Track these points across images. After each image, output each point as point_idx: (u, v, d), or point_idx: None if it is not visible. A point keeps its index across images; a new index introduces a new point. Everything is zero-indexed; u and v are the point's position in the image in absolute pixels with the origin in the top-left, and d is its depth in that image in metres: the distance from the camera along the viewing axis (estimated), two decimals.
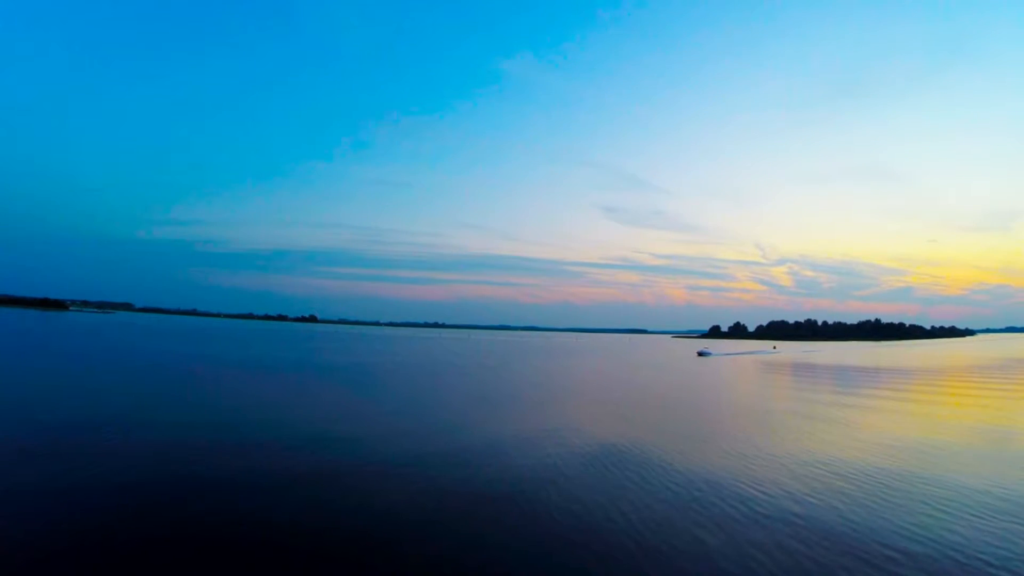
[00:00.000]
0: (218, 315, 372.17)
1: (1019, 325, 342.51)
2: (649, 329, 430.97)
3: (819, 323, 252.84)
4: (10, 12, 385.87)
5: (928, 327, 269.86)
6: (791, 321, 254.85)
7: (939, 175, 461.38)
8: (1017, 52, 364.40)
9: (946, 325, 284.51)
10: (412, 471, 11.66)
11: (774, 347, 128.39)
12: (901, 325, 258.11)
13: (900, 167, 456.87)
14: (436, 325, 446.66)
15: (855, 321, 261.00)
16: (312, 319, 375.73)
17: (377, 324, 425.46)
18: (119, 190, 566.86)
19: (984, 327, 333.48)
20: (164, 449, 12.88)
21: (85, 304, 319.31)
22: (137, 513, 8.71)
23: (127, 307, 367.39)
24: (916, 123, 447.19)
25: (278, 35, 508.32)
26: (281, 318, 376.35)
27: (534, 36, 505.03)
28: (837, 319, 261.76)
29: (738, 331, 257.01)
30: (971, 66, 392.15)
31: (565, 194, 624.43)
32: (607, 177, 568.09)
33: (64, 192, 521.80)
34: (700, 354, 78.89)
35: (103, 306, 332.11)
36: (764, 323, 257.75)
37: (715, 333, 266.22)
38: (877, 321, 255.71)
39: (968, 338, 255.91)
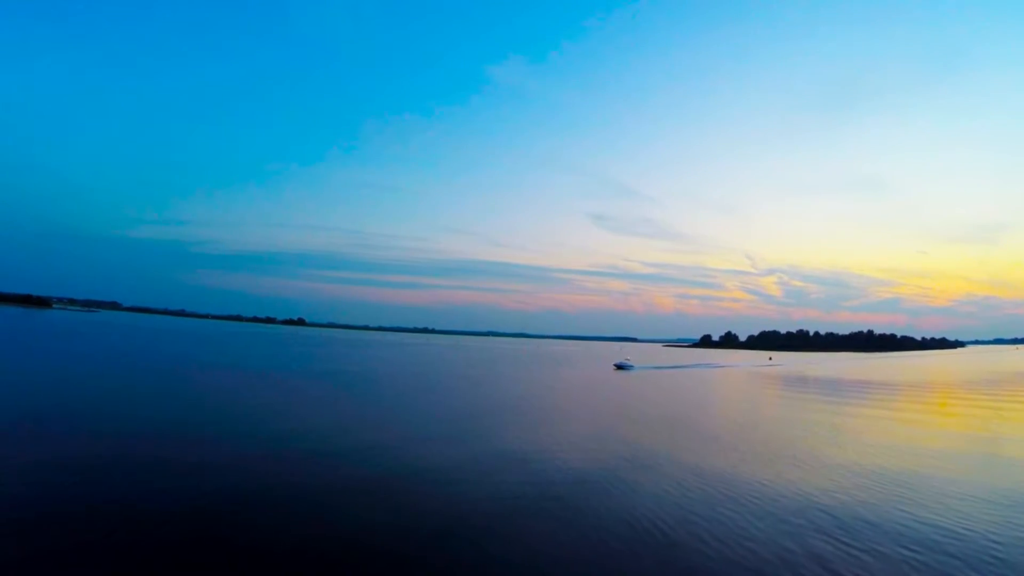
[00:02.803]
0: (206, 316, 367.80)
1: (1007, 337, 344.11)
2: (639, 338, 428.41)
3: (811, 333, 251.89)
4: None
5: (919, 338, 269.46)
6: (782, 331, 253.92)
7: (928, 187, 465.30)
8: (1006, 65, 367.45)
9: (936, 336, 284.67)
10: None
11: (770, 358, 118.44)
12: (893, 336, 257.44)
13: (889, 178, 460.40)
14: (424, 330, 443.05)
15: (844, 331, 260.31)
16: (300, 322, 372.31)
17: (366, 328, 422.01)
18: (110, 187, 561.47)
19: (972, 338, 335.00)
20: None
21: (71, 302, 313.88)
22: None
23: (114, 306, 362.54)
24: (906, 134, 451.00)
25: (271, 37, 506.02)
26: (269, 320, 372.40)
27: (523, 41, 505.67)
28: (826, 329, 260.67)
29: (729, 340, 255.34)
30: (961, 78, 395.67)
31: (553, 201, 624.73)
32: (595, 185, 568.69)
33: (53, 188, 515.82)
34: (618, 367, 63.32)
35: (89, 304, 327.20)
36: (755, 333, 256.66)
37: (706, 343, 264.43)
38: (870, 332, 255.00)
39: (959, 349, 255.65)
